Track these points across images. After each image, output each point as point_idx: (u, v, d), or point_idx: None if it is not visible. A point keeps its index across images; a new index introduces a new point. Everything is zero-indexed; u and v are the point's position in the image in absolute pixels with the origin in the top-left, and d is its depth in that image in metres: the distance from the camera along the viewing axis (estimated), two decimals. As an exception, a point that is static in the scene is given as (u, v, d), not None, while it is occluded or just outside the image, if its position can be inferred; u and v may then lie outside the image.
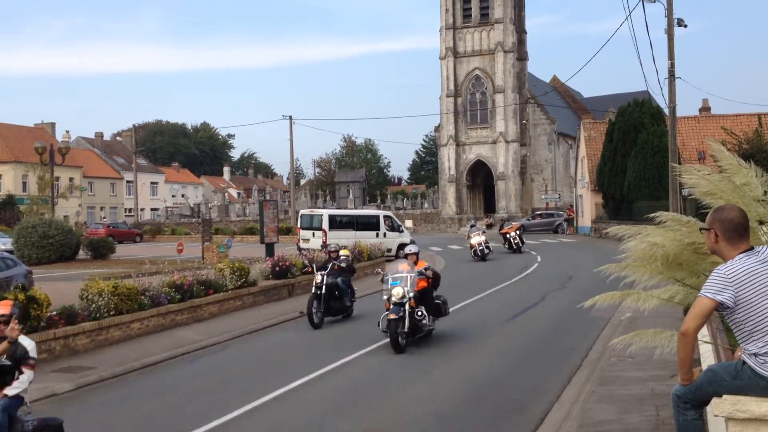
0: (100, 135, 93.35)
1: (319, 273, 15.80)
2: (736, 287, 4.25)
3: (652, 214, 6.63)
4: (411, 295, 12.54)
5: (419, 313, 12.58)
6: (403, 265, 13.20)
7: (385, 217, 36.44)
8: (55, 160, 35.07)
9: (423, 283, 13.10)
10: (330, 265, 16.17)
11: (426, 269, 13.36)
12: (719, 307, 4.30)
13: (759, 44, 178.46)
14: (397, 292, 12.51)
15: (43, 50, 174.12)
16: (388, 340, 12.57)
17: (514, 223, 40.81)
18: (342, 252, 17.40)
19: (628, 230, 6.66)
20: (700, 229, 4.95)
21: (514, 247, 36.09)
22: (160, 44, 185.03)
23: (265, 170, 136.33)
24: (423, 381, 10.61)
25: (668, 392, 4.98)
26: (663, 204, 27.85)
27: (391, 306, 12.49)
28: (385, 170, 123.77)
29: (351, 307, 16.65)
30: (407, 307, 12.41)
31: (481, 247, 32.28)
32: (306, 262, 20.21)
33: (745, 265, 4.31)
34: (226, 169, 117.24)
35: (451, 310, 14.41)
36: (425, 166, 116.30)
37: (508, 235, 36.70)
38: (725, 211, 4.55)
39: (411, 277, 12.80)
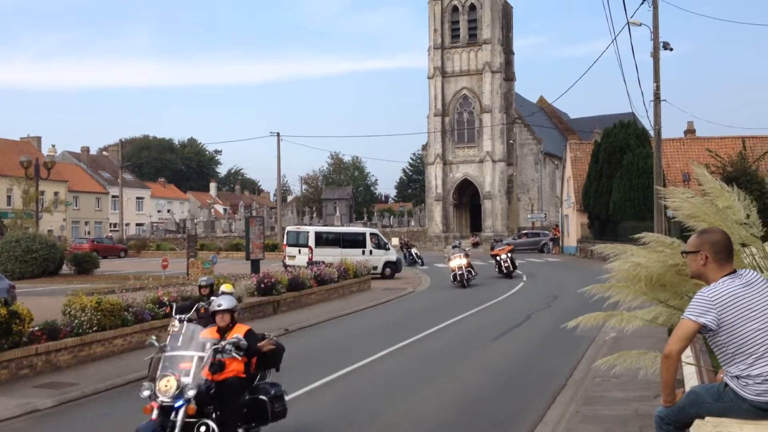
0: (86, 149, 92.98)
1: (177, 317, 10.19)
2: (719, 310, 4.26)
3: (637, 235, 6.67)
4: (192, 393, 6.85)
5: (202, 429, 6.93)
6: (204, 332, 7.54)
7: (371, 234, 36.46)
8: (41, 174, 34.96)
9: (236, 366, 7.60)
10: (196, 307, 10.97)
11: (242, 341, 7.51)
12: (702, 329, 4.31)
13: (744, 68, 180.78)
14: (166, 386, 6.85)
15: (32, 64, 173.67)
16: None
17: (505, 245, 38.41)
18: (223, 288, 11.10)
19: (613, 249, 6.71)
20: (682, 253, 4.92)
21: (504, 271, 32.39)
22: (149, 60, 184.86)
23: (252, 186, 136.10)
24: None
25: (652, 413, 4.99)
26: (648, 225, 28.00)
27: (154, 412, 6.81)
28: (372, 188, 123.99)
29: None
30: (181, 415, 6.77)
31: (461, 272, 28.51)
32: (167, 300, 15.51)
33: (728, 288, 4.32)
34: (213, 185, 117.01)
35: (438, 327, 13.88)
36: (412, 185, 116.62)
37: (498, 258, 33.11)
38: (713, 233, 4.56)
39: (204, 356, 7.17)
